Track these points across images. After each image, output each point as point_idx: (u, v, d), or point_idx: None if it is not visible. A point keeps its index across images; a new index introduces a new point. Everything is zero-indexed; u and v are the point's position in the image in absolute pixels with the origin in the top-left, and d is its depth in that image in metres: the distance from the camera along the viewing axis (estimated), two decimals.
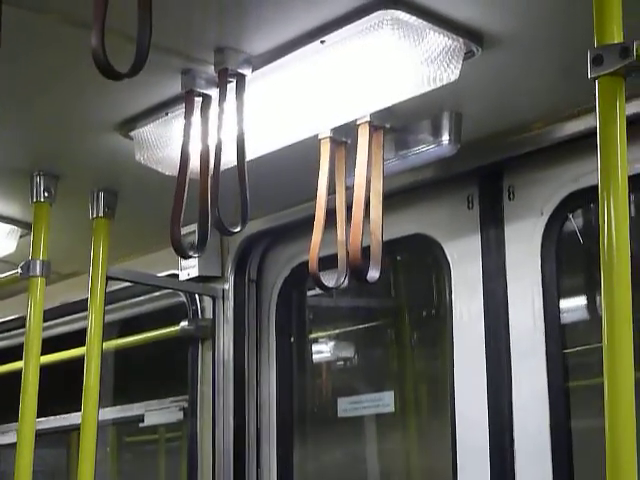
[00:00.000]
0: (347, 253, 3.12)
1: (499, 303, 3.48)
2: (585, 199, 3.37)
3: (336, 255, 3.19)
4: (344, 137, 3.21)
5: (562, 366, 3.35)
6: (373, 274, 3.14)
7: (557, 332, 3.37)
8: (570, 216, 3.45)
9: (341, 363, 4.81)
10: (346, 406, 4.16)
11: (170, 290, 4.62)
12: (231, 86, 2.82)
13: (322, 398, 4.67)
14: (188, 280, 4.43)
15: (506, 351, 3.44)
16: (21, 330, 4.58)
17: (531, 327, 3.38)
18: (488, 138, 3.40)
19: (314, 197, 3.19)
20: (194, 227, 3.51)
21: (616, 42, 2.01)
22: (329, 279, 3.20)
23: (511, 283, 3.47)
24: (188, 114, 2.90)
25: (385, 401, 4.05)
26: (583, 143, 3.12)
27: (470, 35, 2.65)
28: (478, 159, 3.49)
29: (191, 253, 2.93)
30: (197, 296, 4.48)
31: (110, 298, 4.12)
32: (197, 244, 2.85)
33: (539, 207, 3.42)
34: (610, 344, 1.91)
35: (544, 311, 3.37)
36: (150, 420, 4.90)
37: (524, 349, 3.40)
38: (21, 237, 4.32)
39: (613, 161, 1.97)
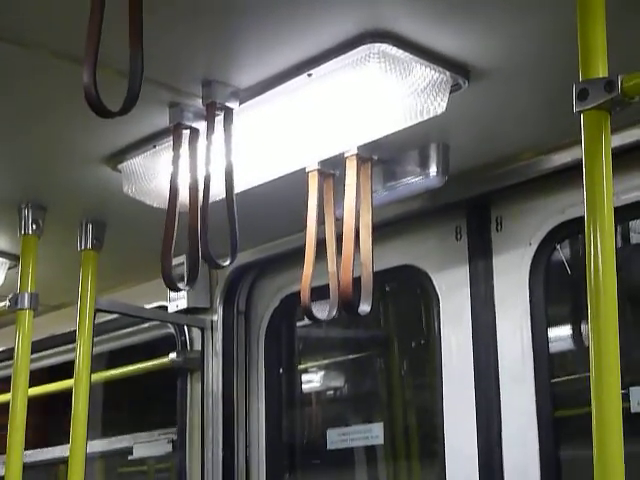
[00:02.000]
0: (338, 284, 3.12)
1: (488, 333, 3.49)
2: (572, 230, 3.38)
3: (324, 286, 3.18)
4: (332, 169, 3.22)
5: (551, 395, 3.35)
6: (364, 307, 3.13)
7: (546, 362, 3.37)
8: (558, 247, 3.46)
9: (330, 394, 4.80)
10: (335, 438, 4.15)
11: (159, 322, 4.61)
12: (219, 119, 2.83)
13: (311, 430, 4.65)
14: (177, 312, 4.42)
15: (495, 381, 3.44)
16: (9, 362, 4.56)
17: (520, 357, 3.39)
18: (475, 169, 3.41)
19: (302, 228, 3.19)
20: (182, 259, 3.53)
21: (601, 76, 2.03)
22: (319, 310, 3.20)
23: (499, 313, 3.48)
24: (176, 147, 2.90)
25: (374, 433, 4.04)
26: (570, 174, 3.13)
27: (456, 68, 2.66)
28: (466, 190, 3.50)
29: (181, 286, 2.92)
30: (186, 328, 4.47)
31: (99, 329, 4.11)
32: (187, 279, 2.85)
33: (527, 238, 3.43)
34: (597, 373, 1.91)
35: (532, 341, 3.38)
36: (139, 453, 4.87)
37: (513, 379, 3.40)
38: (9, 269, 4.31)
39: (599, 196, 1.98)
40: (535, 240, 3.41)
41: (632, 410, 3.12)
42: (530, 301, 3.40)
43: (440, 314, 3.67)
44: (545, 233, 3.40)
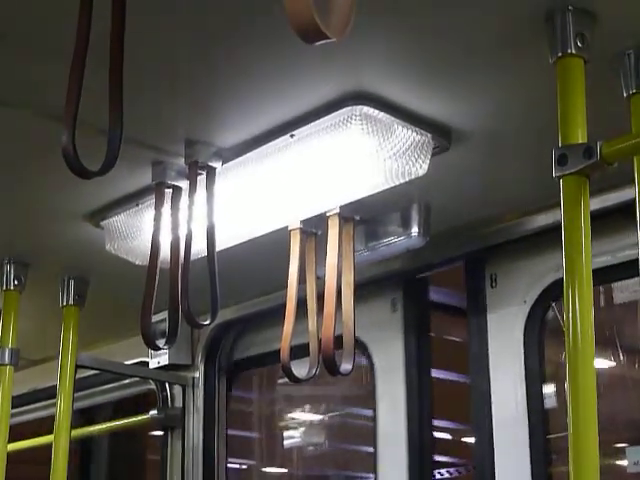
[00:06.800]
0: (319, 344, 3.11)
1: (482, 390, 3.46)
2: None
3: (307, 344, 3.17)
4: (314, 228, 3.22)
5: (545, 454, 3.33)
6: (346, 366, 3.12)
7: (540, 420, 3.34)
8: (553, 304, 3.45)
9: (311, 451, 4.77)
10: None
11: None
12: (201, 178, 2.83)
13: None
14: (158, 368, 4.40)
15: (489, 438, 3.41)
16: None
17: (514, 415, 3.36)
18: (470, 225, 3.40)
19: (284, 286, 3.18)
20: (163, 315, 3.51)
21: (580, 142, 2.04)
22: (300, 368, 3.18)
23: (494, 370, 3.45)
24: (158, 205, 2.89)
25: None
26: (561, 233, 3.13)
27: (438, 130, 2.68)
28: (461, 247, 3.50)
29: (161, 345, 2.90)
30: (167, 384, 4.45)
31: (80, 385, 4.09)
32: (167, 337, 2.83)
33: (521, 296, 3.42)
34: (575, 431, 1.93)
35: (527, 398, 3.35)
36: None
37: (507, 436, 3.37)
38: None
39: (578, 259, 1.99)
40: (530, 298, 3.40)
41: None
42: (524, 358, 3.38)
43: None
44: (540, 291, 3.38)
